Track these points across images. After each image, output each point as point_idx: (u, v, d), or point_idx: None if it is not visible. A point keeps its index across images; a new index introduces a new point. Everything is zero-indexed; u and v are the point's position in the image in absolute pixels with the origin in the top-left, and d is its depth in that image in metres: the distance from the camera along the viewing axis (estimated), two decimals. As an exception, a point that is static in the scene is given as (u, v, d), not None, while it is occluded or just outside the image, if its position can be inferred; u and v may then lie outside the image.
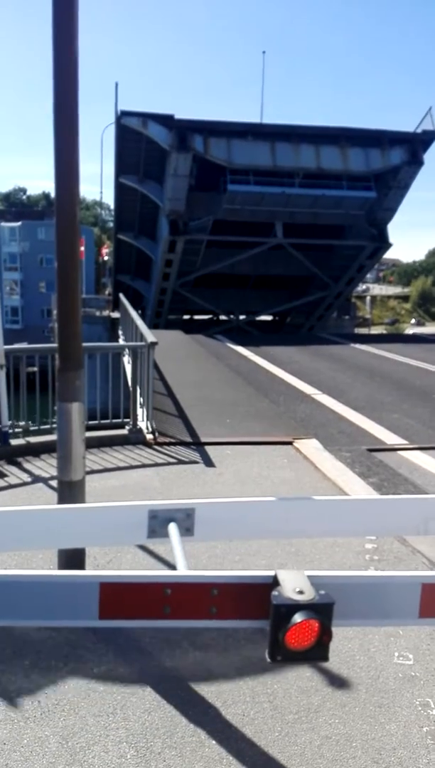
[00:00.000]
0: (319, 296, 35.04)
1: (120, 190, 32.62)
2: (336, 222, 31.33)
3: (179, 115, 27.86)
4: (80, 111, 4.05)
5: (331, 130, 29.54)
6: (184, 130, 27.58)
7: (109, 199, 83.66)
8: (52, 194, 4.26)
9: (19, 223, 69.66)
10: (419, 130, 29.79)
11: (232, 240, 30.99)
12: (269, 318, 39.39)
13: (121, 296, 19.38)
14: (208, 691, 3.23)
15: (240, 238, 31.14)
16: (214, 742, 2.88)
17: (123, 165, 30.95)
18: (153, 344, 8.55)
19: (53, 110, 4.00)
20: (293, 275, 34.25)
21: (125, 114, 28.25)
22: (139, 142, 28.67)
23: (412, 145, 29.46)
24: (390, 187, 30.31)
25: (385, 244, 32.81)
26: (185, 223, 29.67)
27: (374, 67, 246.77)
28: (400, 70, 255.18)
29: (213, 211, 29.51)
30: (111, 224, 54.50)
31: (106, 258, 54.73)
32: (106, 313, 32.73)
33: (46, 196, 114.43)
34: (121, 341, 16.07)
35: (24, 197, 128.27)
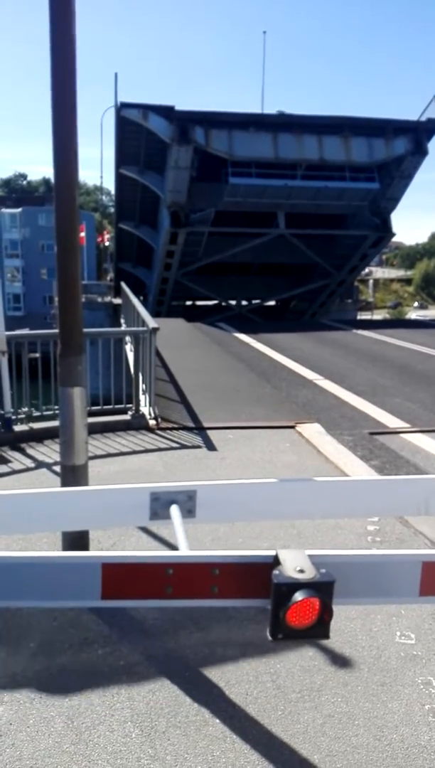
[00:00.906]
0: (321, 284, 34.87)
1: (120, 180, 32.38)
2: (339, 212, 31.08)
3: (178, 99, 27.83)
4: (79, 95, 4.03)
5: (333, 119, 29.07)
6: (185, 122, 27.13)
7: (110, 184, 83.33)
8: (53, 180, 4.24)
9: (19, 210, 69.36)
10: (423, 118, 29.32)
11: (234, 231, 30.77)
12: (272, 303, 39.25)
13: (123, 284, 19.32)
14: (211, 671, 3.26)
15: (242, 229, 30.88)
16: (217, 720, 2.92)
17: (123, 156, 30.63)
18: (155, 330, 8.55)
19: (51, 95, 3.97)
20: (296, 263, 34.06)
21: (125, 106, 27.87)
22: (140, 134, 28.31)
23: (416, 134, 28.97)
24: (393, 177, 29.90)
25: (388, 234, 32.57)
26: (186, 214, 29.40)
27: (376, 50, 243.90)
28: (402, 54, 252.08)
29: (214, 203, 29.24)
30: (112, 209, 54.29)
31: (107, 244, 54.52)
32: (107, 299, 32.67)
33: (46, 181, 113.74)
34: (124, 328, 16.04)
35: (24, 183, 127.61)
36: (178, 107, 27.35)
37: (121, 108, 27.90)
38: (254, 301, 37.42)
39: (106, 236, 54.74)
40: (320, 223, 31.35)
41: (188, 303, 37.54)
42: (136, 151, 29.68)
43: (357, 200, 30.13)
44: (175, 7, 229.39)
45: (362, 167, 29.41)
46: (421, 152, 29.29)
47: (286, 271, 35.35)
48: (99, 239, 58.22)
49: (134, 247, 36.82)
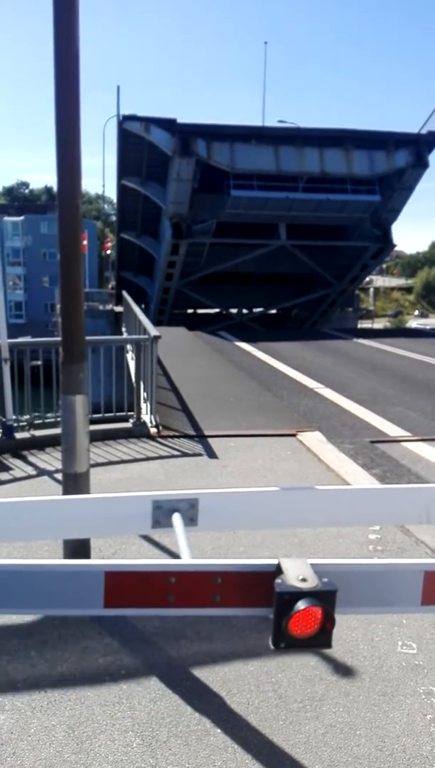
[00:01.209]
0: (322, 293, 34.94)
1: (122, 191, 32.53)
2: (340, 223, 31.17)
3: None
4: (81, 103, 4.05)
5: (335, 132, 29.11)
6: (187, 135, 27.16)
7: (112, 192, 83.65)
8: (55, 188, 4.27)
9: (21, 218, 69.65)
10: (424, 131, 29.30)
11: (236, 242, 30.82)
12: (273, 312, 39.29)
13: (125, 293, 19.35)
14: (213, 680, 3.25)
15: (244, 240, 30.91)
16: (219, 730, 2.91)
17: (125, 167, 30.71)
18: (156, 338, 8.57)
19: (54, 105, 4.01)
20: (297, 273, 34.12)
21: (127, 118, 27.91)
22: (142, 146, 28.37)
23: (417, 146, 28.95)
24: (394, 189, 29.89)
25: (389, 245, 32.66)
26: (188, 226, 29.39)
27: (379, 56, 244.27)
28: (406, 59, 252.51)
29: (216, 214, 29.23)
30: (114, 218, 54.53)
31: (109, 252, 54.72)
32: (109, 306, 32.73)
33: (48, 190, 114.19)
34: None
35: (26, 191, 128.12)
36: (180, 115, 28.00)
37: (123, 121, 27.99)
38: (256, 310, 37.48)
39: (108, 244, 54.96)
40: (321, 234, 31.38)
41: (190, 311, 37.61)
42: (138, 162, 29.76)
43: (358, 212, 30.19)
44: (177, 13, 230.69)
45: (363, 180, 29.46)
46: (422, 165, 29.26)
47: (287, 280, 35.40)
48: (105, 248, 58.41)
49: (136, 256, 36.90)
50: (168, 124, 27.30)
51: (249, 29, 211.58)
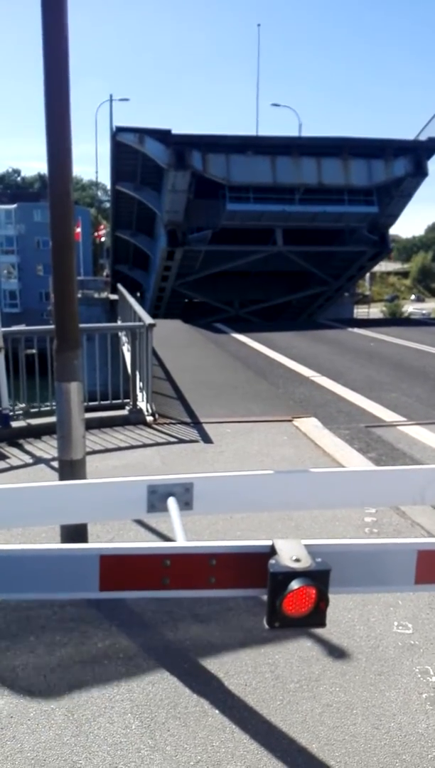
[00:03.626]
0: (319, 290, 34.83)
1: (116, 195, 32.30)
2: (337, 228, 30.97)
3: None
4: (72, 89, 4.02)
5: (333, 141, 28.74)
6: (182, 147, 26.76)
7: (105, 178, 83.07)
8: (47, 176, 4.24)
9: (14, 206, 69.08)
10: (423, 137, 28.91)
11: (232, 249, 30.65)
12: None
13: (120, 286, 19.24)
14: (210, 662, 3.29)
15: (239, 247, 30.73)
16: (217, 711, 2.94)
17: (119, 174, 30.43)
18: (151, 325, 8.57)
19: (44, 91, 3.96)
20: (293, 271, 33.96)
21: (121, 130, 27.58)
22: (136, 155, 28.02)
23: (417, 153, 28.57)
24: (392, 197, 29.55)
25: (386, 249, 32.45)
26: (184, 233, 29.13)
27: (376, 41, 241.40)
28: (405, 45, 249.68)
29: (212, 223, 28.96)
30: (107, 204, 54.22)
31: (103, 239, 54.40)
32: (104, 294, 32.63)
33: (41, 177, 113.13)
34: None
35: (18, 179, 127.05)
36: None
37: (117, 132, 27.58)
38: (252, 300, 37.32)
39: (102, 231, 54.61)
40: (318, 238, 31.12)
41: (186, 300, 37.47)
42: (133, 170, 29.41)
43: (355, 222, 29.95)
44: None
45: (361, 190, 29.05)
46: (421, 173, 28.83)
47: (283, 275, 35.22)
48: (96, 235, 58.09)
49: (131, 251, 36.72)
50: (162, 136, 26.82)
51: (243, 13, 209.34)
